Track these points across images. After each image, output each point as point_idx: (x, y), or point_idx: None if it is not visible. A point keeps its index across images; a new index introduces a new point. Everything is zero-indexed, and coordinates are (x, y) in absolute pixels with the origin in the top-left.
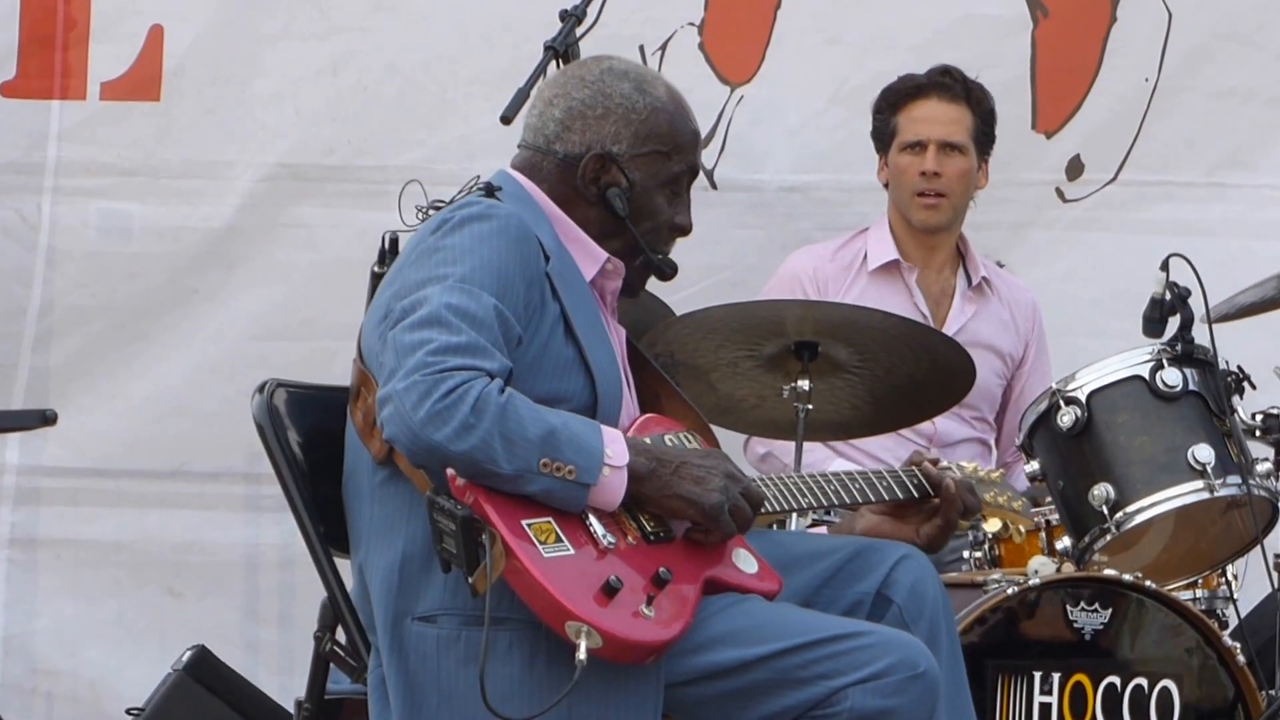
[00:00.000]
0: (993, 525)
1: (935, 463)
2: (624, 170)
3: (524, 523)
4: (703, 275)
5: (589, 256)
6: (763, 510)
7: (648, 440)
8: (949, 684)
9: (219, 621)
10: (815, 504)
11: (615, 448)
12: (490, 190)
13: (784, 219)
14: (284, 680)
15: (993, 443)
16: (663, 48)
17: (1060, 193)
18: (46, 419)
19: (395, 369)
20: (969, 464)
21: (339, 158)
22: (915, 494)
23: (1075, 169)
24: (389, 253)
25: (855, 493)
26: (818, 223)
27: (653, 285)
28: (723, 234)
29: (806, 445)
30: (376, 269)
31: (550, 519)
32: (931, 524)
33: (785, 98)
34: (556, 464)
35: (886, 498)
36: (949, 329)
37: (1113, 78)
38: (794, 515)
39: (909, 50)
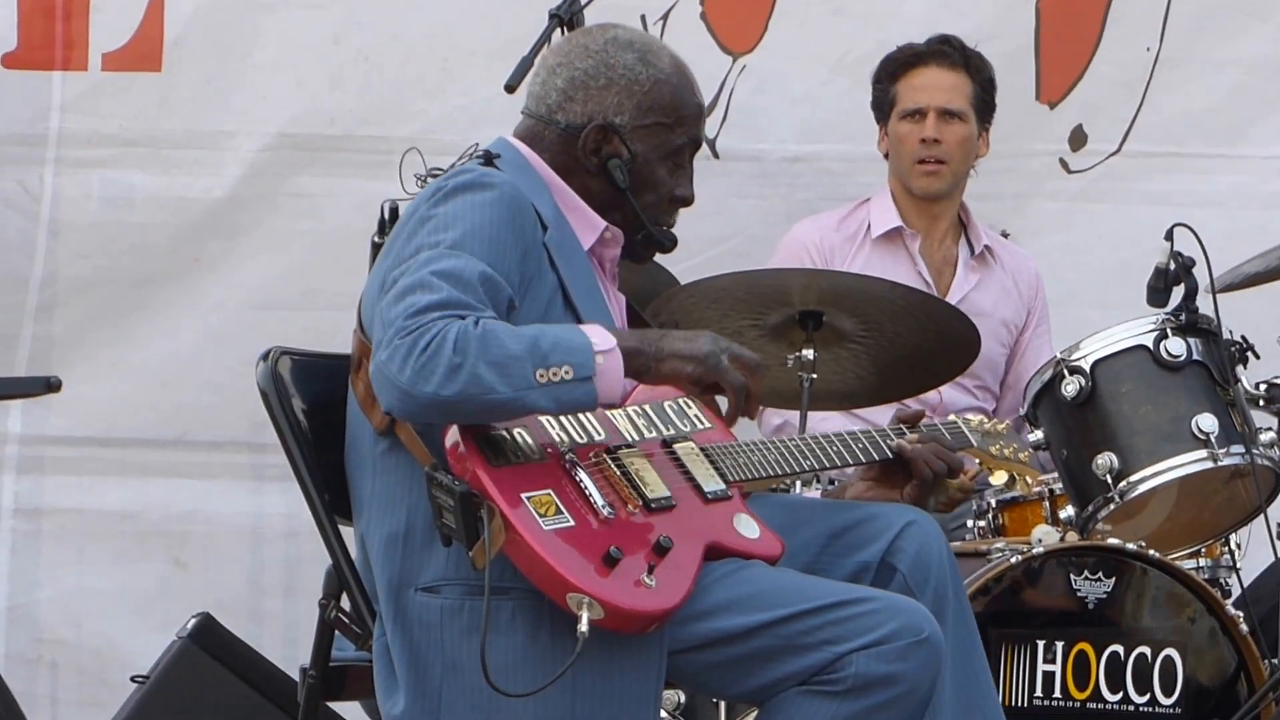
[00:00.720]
0: (999, 478)
1: (917, 419)
2: (626, 142)
3: (523, 495)
4: (706, 246)
5: (587, 225)
6: (746, 476)
7: (647, 408)
8: (959, 649)
9: (223, 592)
10: (797, 469)
11: (598, 335)
12: (489, 158)
13: (787, 189)
14: (289, 651)
15: (993, 412)
16: (664, 17)
17: (1064, 164)
18: (51, 385)
19: (380, 341)
20: (974, 417)
21: (340, 127)
22: (889, 455)
23: (1078, 139)
24: (388, 222)
25: (833, 455)
26: (821, 193)
27: (659, 255)
28: (725, 204)
29: (822, 413)
30: (376, 239)
31: (549, 490)
32: (910, 485)
33: (788, 68)
34: (551, 369)
35: (863, 460)
36: (952, 298)
37: (1114, 47)
38: (797, 482)
39: (912, 21)
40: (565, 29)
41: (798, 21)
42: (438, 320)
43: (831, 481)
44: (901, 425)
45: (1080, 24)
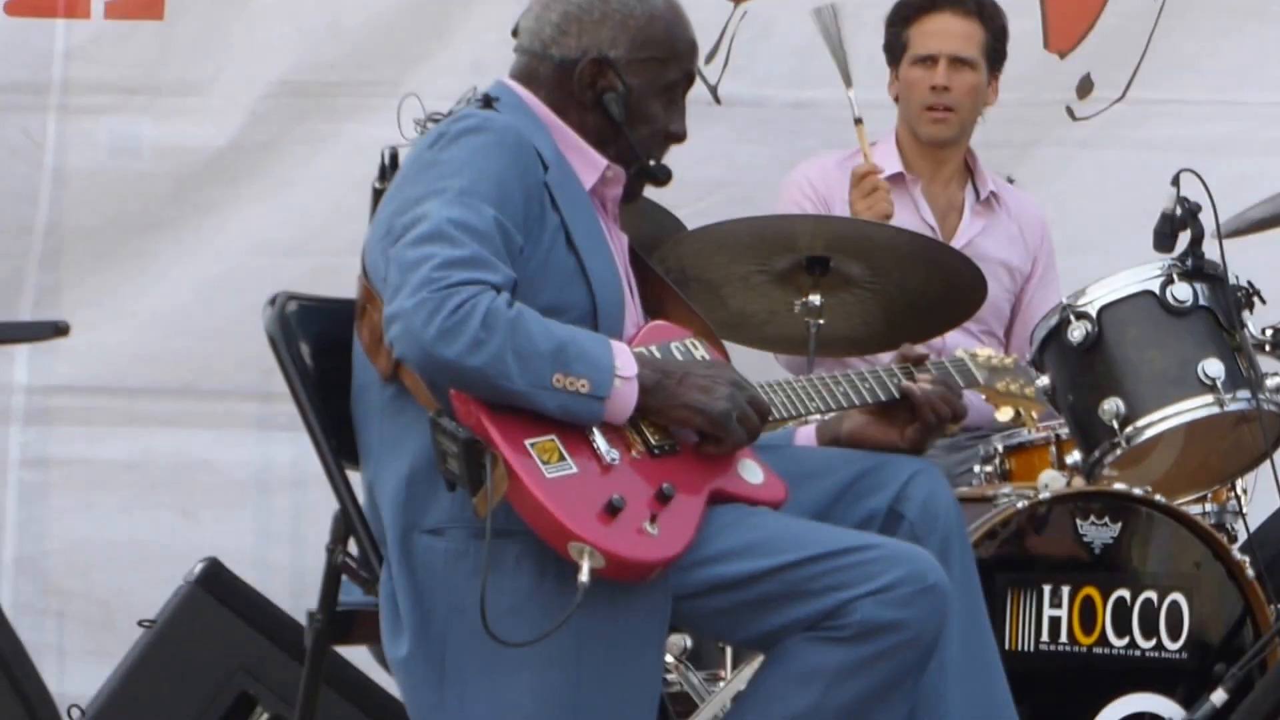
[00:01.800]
0: (1005, 414)
1: (923, 359)
2: (620, 75)
3: (527, 442)
4: (709, 190)
5: (589, 164)
6: (771, 418)
7: (654, 350)
8: (963, 598)
9: (230, 541)
10: (823, 408)
11: (623, 359)
12: (488, 101)
13: (790, 135)
14: (296, 602)
15: None
16: None
17: (1070, 111)
18: (59, 329)
19: (400, 286)
20: (982, 351)
21: (340, 74)
22: (896, 396)
23: (1085, 87)
24: (389, 168)
25: (839, 397)
26: (824, 139)
27: (662, 201)
28: (728, 149)
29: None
30: (377, 185)
31: (553, 437)
32: (913, 426)
33: (790, 14)
34: (569, 378)
35: (869, 400)
36: (956, 242)
37: None
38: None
39: None
40: None
41: None
42: (467, 286)
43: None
44: (909, 365)
45: None
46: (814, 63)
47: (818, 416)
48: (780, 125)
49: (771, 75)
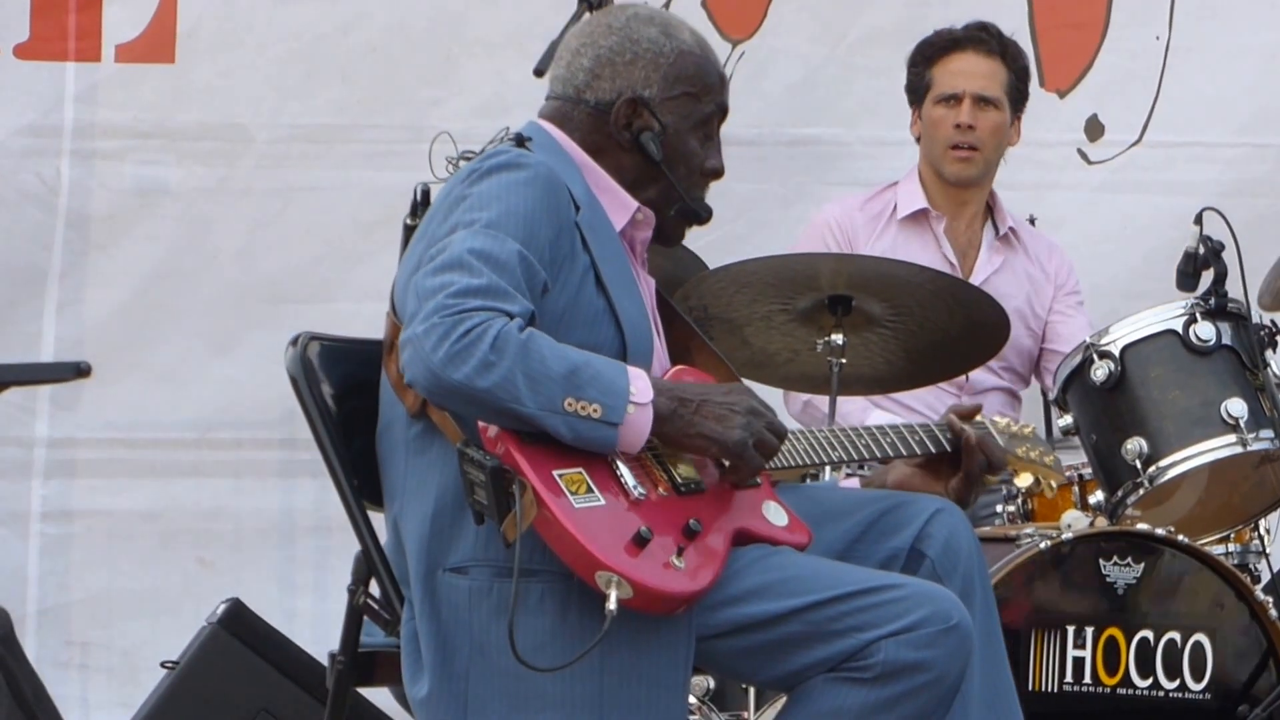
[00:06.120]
0: (1024, 480)
1: (973, 414)
2: (656, 114)
3: (555, 473)
4: (705, 230)
5: (620, 206)
6: (793, 463)
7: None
8: (983, 638)
9: (252, 589)
10: (846, 458)
11: (639, 385)
12: (521, 141)
13: (784, 173)
14: (318, 648)
15: (1022, 394)
16: (665, 5)
17: (1083, 154)
18: (81, 370)
19: (416, 312)
20: (1001, 419)
21: (349, 118)
22: (948, 449)
23: (1095, 129)
24: (421, 205)
25: (886, 447)
26: (819, 177)
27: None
28: (725, 187)
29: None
30: (409, 221)
31: (581, 469)
32: (957, 478)
33: (785, 52)
34: (582, 403)
35: (919, 452)
36: (975, 279)
37: (1122, 35)
38: (826, 468)
39: (904, 5)
40: (592, 14)
41: (796, 7)
42: (480, 311)
43: (862, 466)
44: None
45: (1081, 9)
46: (808, 101)
47: (853, 463)
48: (776, 163)
49: (767, 114)
